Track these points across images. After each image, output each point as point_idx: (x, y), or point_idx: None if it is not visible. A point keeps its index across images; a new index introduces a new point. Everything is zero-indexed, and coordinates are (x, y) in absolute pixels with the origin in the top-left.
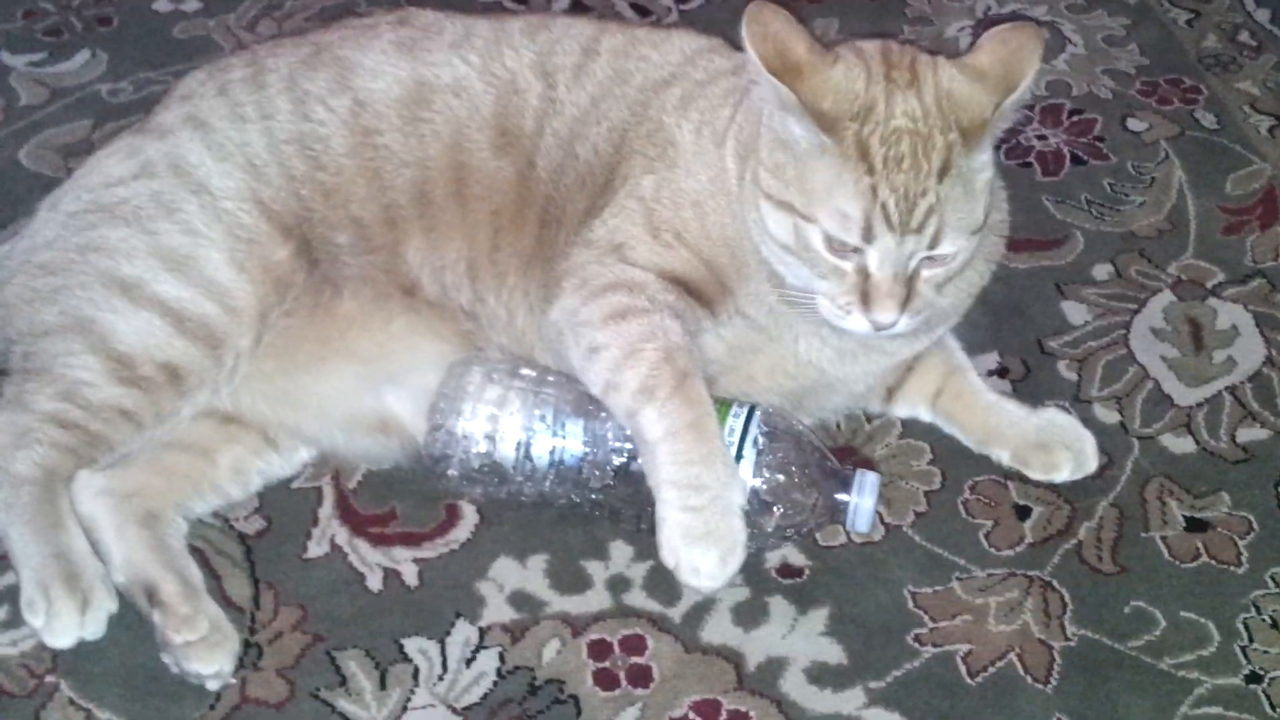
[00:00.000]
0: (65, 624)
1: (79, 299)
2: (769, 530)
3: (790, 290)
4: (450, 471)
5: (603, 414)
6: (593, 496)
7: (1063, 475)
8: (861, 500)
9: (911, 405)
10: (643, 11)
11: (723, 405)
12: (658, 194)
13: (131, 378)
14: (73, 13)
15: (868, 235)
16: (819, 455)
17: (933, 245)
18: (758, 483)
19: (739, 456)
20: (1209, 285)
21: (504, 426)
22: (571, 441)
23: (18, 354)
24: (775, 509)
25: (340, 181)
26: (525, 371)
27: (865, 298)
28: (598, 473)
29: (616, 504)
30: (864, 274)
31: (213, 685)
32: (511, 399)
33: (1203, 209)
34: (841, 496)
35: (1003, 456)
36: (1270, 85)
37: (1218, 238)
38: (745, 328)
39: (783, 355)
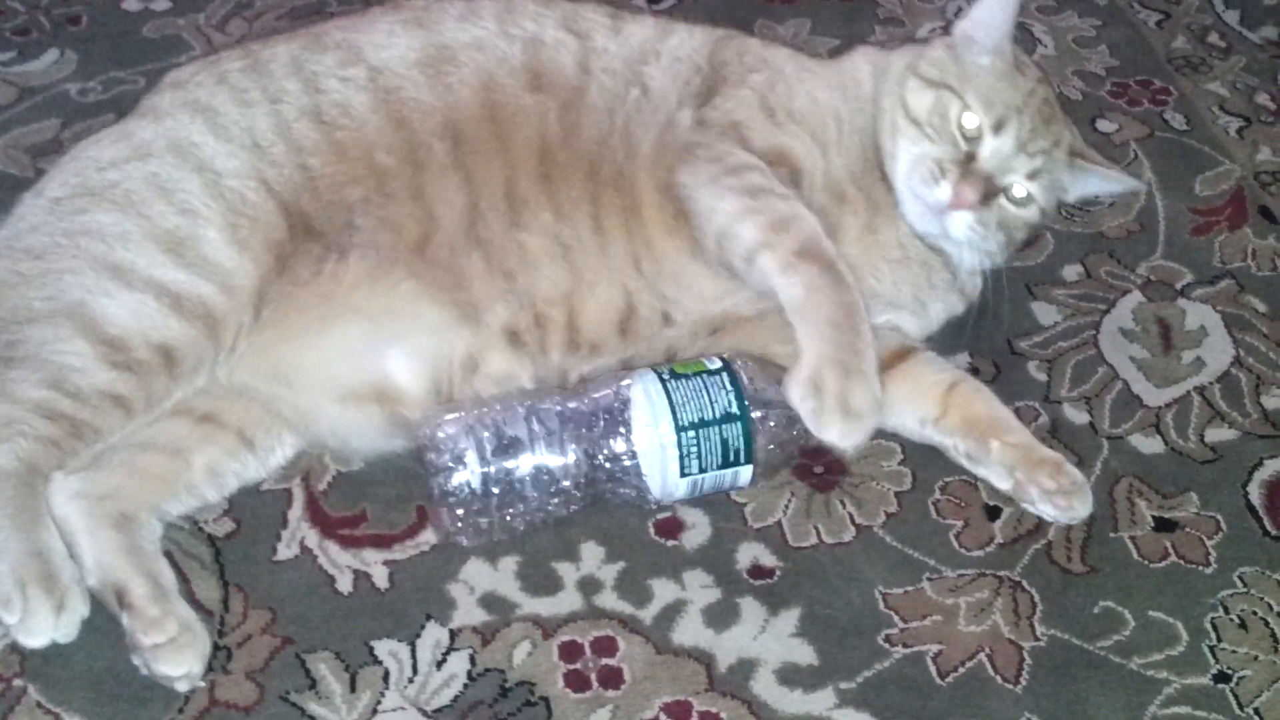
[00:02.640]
0: (40, 623)
1: (68, 283)
2: (792, 434)
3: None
4: (466, 509)
5: (580, 401)
6: (604, 479)
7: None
8: None
9: (918, 403)
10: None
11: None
12: (771, 85)
13: (124, 361)
14: (41, 12)
15: (998, 126)
16: (776, 369)
17: (1031, 176)
18: (751, 385)
19: (723, 360)
20: (1178, 286)
21: (515, 453)
22: (570, 438)
23: (1, 342)
24: (770, 422)
25: (362, 134)
26: (496, 403)
27: (961, 173)
28: (604, 456)
29: (621, 483)
30: (970, 157)
31: (181, 687)
32: (507, 421)
33: (1172, 210)
34: None
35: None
36: (1239, 86)
37: (1187, 239)
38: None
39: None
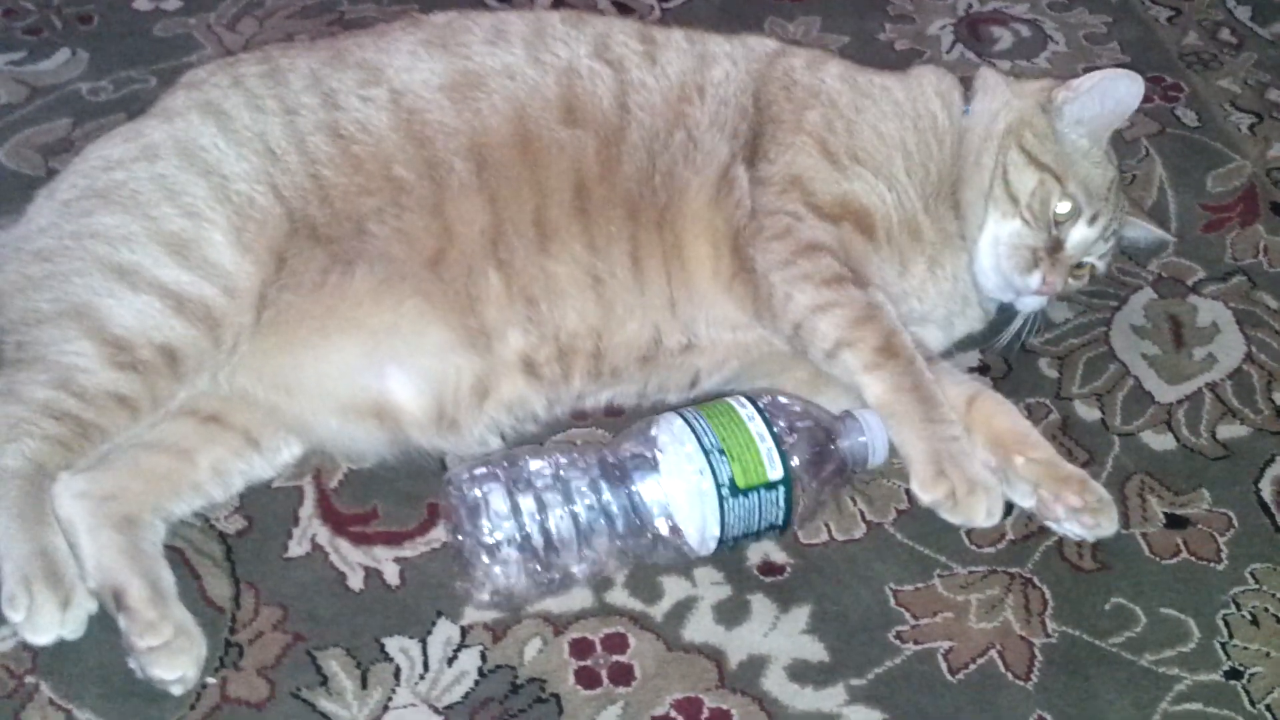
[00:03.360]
0: (46, 620)
1: (75, 285)
2: (821, 482)
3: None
4: (507, 596)
5: (622, 469)
6: (647, 538)
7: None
8: (874, 436)
9: None
10: (625, 10)
11: (720, 403)
12: (829, 125)
13: (128, 361)
14: (53, 11)
15: (1094, 219)
16: (816, 412)
17: (1102, 257)
18: (797, 459)
19: (782, 456)
20: (1189, 283)
21: (560, 530)
22: (613, 504)
23: (11, 344)
24: (822, 470)
25: (380, 150)
26: (533, 463)
27: (1051, 262)
28: (653, 528)
29: (661, 541)
30: (1057, 244)
31: (176, 691)
32: (545, 497)
33: (1183, 206)
34: (860, 439)
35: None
36: (1251, 83)
37: (1198, 235)
38: (897, 271)
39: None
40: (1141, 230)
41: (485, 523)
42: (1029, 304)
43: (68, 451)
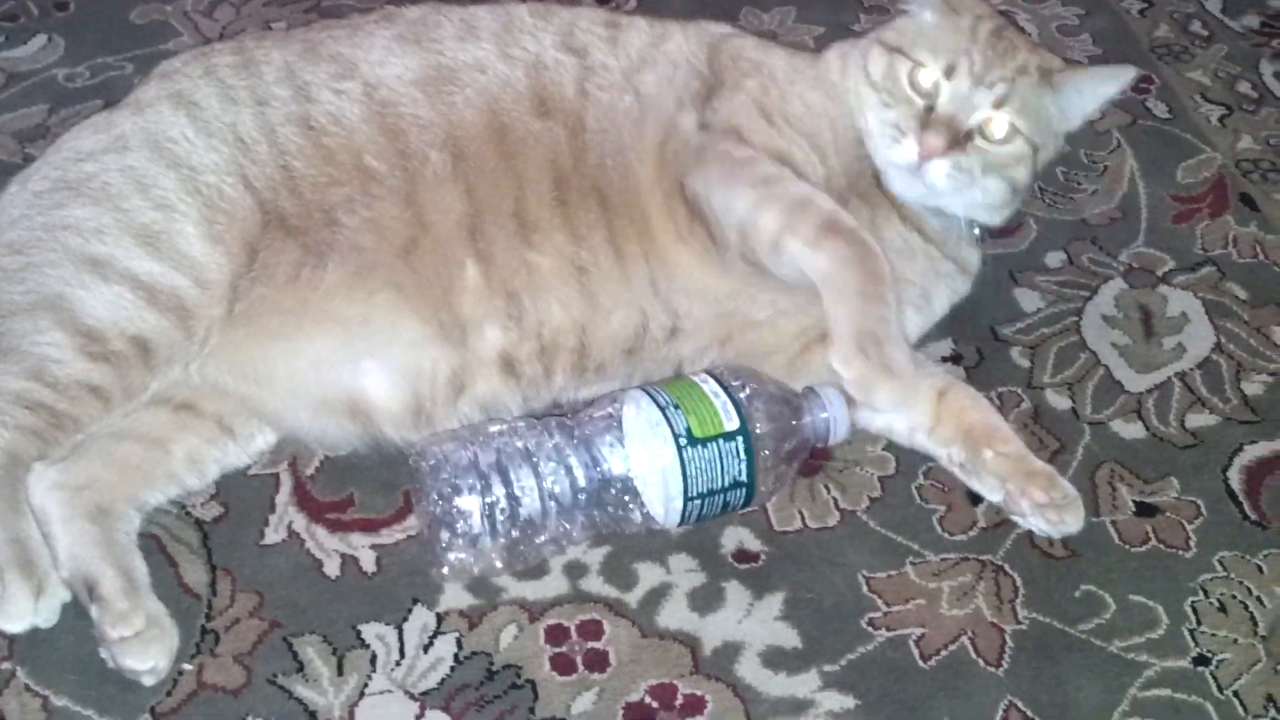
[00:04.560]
0: (19, 609)
1: (47, 276)
2: (784, 456)
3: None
4: (472, 548)
5: (583, 432)
6: (610, 510)
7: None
8: (836, 411)
9: (907, 409)
10: (602, 2)
11: (683, 380)
12: (765, 90)
13: (101, 352)
14: None
15: (949, 71)
16: (776, 385)
17: (998, 104)
18: (759, 427)
19: (737, 407)
20: (1160, 273)
21: (520, 481)
22: (576, 467)
23: None
24: (784, 444)
25: (351, 141)
26: (494, 428)
27: (920, 124)
28: (615, 489)
29: (624, 510)
30: (929, 110)
31: (148, 681)
32: (507, 453)
33: (1154, 197)
34: (821, 415)
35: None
36: (1221, 75)
37: (1168, 226)
38: None
39: None
40: (1102, 82)
41: (445, 479)
42: (937, 180)
43: (42, 442)
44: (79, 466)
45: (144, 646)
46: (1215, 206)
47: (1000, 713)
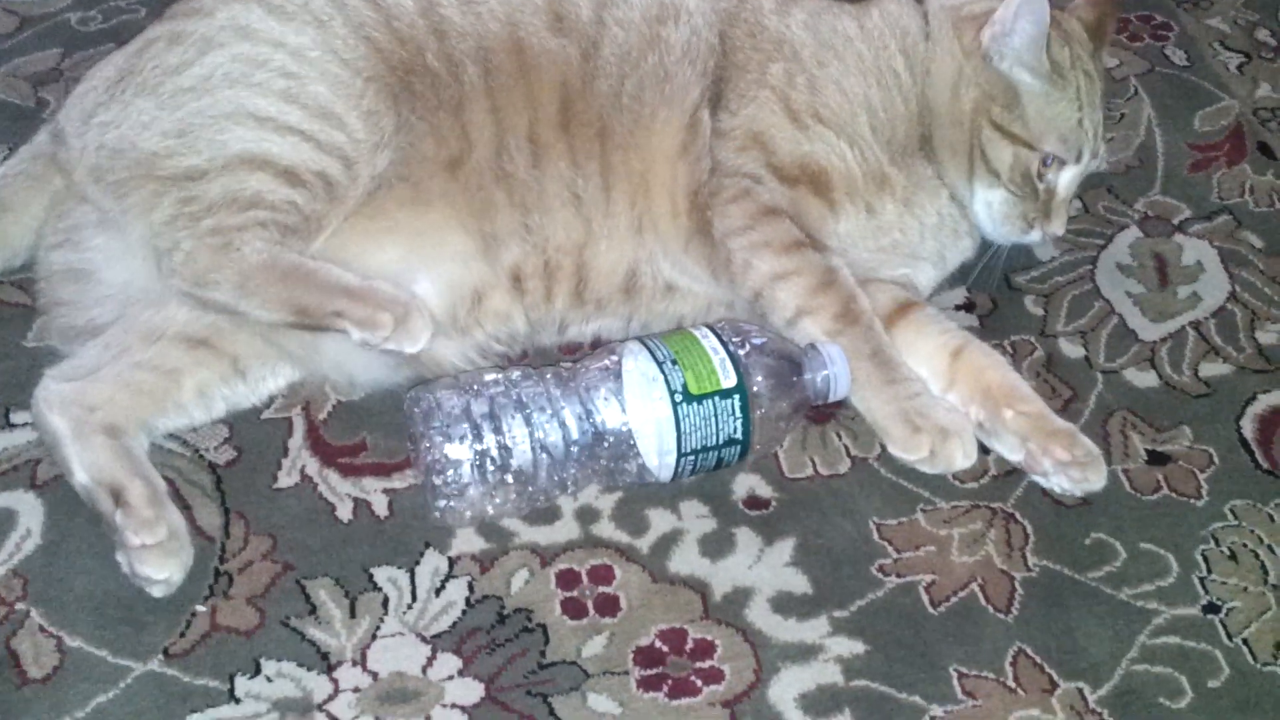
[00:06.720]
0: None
1: (226, 139)
2: (783, 414)
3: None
4: (461, 497)
5: (578, 384)
6: (602, 462)
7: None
8: (837, 369)
9: (921, 366)
10: None
11: (683, 333)
12: (791, 80)
13: (299, 181)
14: None
15: (1078, 158)
16: (778, 341)
17: (1095, 168)
18: (756, 385)
19: (735, 364)
20: (1175, 221)
21: (512, 430)
22: (569, 418)
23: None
24: (783, 402)
25: (414, 34)
26: (489, 376)
27: (1046, 213)
28: (609, 441)
29: (618, 462)
30: (1049, 194)
31: (158, 592)
32: (500, 402)
33: (1171, 145)
34: (822, 373)
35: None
36: (1240, 22)
37: (1185, 174)
38: (864, 218)
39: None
40: None
41: (437, 426)
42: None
43: (293, 234)
44: (92, 387)
45: (163, 557)
46: (1232, 155)
47: (1009, 659)
